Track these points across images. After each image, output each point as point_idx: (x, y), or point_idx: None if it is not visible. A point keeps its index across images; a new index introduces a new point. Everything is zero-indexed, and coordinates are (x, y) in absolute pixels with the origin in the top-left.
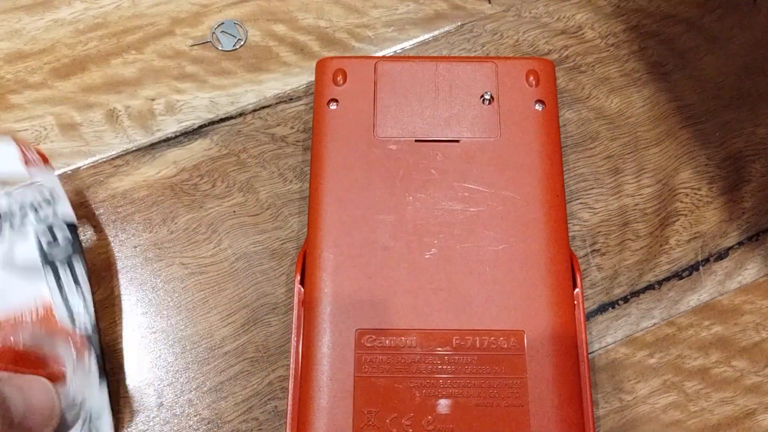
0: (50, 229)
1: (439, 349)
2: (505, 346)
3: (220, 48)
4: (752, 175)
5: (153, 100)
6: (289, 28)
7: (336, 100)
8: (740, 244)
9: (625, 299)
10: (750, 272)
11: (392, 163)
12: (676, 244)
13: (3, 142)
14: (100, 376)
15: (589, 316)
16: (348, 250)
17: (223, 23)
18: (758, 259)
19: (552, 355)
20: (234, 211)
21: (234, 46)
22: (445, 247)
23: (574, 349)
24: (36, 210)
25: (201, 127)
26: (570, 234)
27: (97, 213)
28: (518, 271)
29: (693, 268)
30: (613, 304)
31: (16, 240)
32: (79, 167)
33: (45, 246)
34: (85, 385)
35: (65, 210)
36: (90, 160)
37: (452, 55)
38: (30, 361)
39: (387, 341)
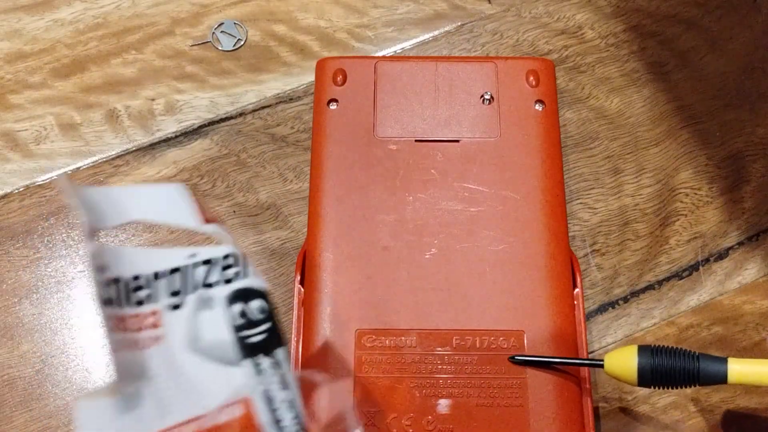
0: (240, 297)
1: (439, 349)
2: (505, 346)
3: (220, 48)
4: (752, 175)
5: (153, 100)
6: (289, 28)
7: (336, 100)
8: (740, 244)
9: (625, 299)
10: (750, 272)
11: (392, 163)
12: (676, 244)
13: (176, 189)
14: None
15: (589, 316)
16: (348, 250)
17: (223, 23)
18: (758, 259)
19: (551, 355)
20: (234, 211)
21: (234, 46)
22: (445, 247)
23: (574, 349)
24: (224, 271)
25: (201, 127)
26: (570, 234)
27: None
28: (518, 271)
29: (693, 268)
30: (613, 304)
31: (200, 311)
32: (79, 167)
33: (237, 318)
34: None
35: (256, 272)
36: (90, 160)
37: (452, 55)
38: None
39: (387, 341)
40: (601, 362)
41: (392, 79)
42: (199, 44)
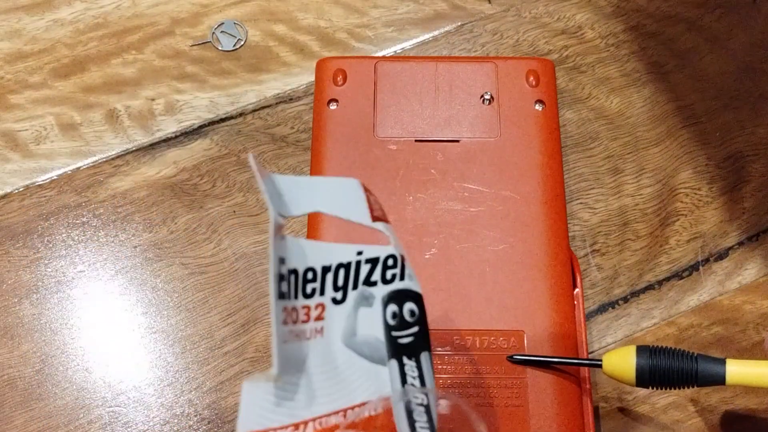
0: (396, 297)
1: (439, 349)
2: (505, 346)
3: (220, 48)
4: (752, 175)
5: (153, 100)
6: (289, 28)
7: (336, 100)
8: (740, 244)
9: (625, 299)
10: (750, 272)
11: (392, 163)
12: (676, 244)
13: (350, 184)
14: None
15: (589, 316)
16: None
17: (223, 23)
18: (758, 259)
19: (552, 355)
20: (234, 211)
21: (234, 46)
22: (445, 247)
23: (574, 349)
24: (384, 271)
25: (201, 127)
26: (570, 234)
27: (97, 213)
28: (518, 271)
29: (693, 268)
30: (613, 304)
31: (360, 309)
32: (79, 167)
33: (389, 318)
34: None
35: (412, 275)
36: (90, 160)
37: (452, 55)
38: None
39: None
40: (600, 362)
41: (392, 80)
42: (199, 44)
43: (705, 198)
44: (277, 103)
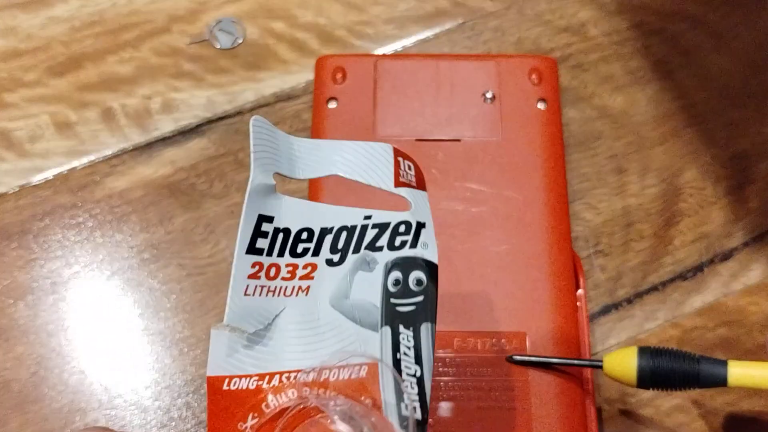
0: (403, 265)
1: (440, 351)
2: (507, 347)
3: (217, 46)
4: (757, 175)
5: (150, 98)
6: (288, 26)
7: (335, 99)
8: (745, 244)
9: (629, 300)
10: (755, 273)
11: None
12: (680, 245)
13: (382, 148)
14: None
15: (592, 317)
16: None
17: (221, 21)
18: (763, 260)
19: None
20: (232, 211)
21: (232, 44)
22: (446, 247)
23: (577, 350)
24: (393, 237)
25: (198, 126)
26: (573, 234)
27: (92, 213)
28: (520, 272)
29: (697, 269)
30: (616, 306)
31: (358, 270)
32: (75, 167)
33: (391, 284)
34: None
35: (428, 244)
36: (86, 159)
37: (453, 53)
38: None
39: None
40: (600, 363)
41: (393, 78)
42: (196, 42)
43: (710, 198)
44: (275, 102)
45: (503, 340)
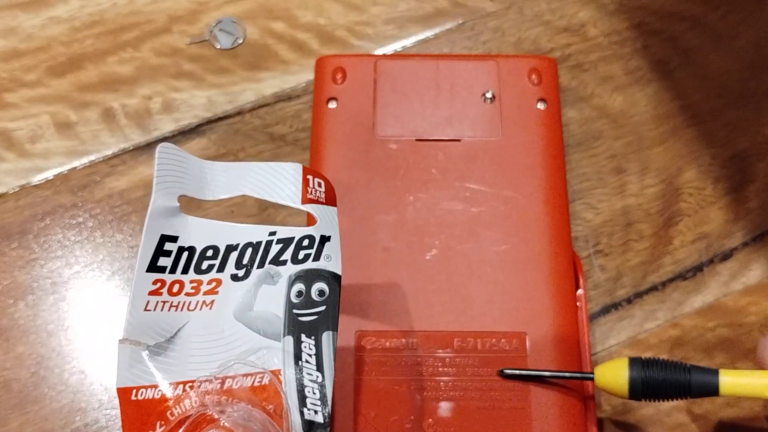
0: (306, 277)
1: (440, 351)
2: (507, 347)
3: (218, 46)
4: (757, 175)
5: (150, 98)
6: (288, 26)
7: (335, 99)
8: (745, 244)
9: (629, 300)
10: (755, 273)
11: (392, 163)
12: (680, 245)
13: (292, 168)
14: None
15: (592, 317)
16: (348, 251)
17: (221, 21)
18: (763, 260)
19: (554, 357)
20: (232, 212)
21: (232, 44)
22: (446, 247)
23: (577, 351)
24: (297, 251)
25: (198, 126)
26: (573, 234)
27: (93, 213)
28: (520, 272)
29: (697, 268)
30: (616, 306)
31: (262, 283)
32: (75, 167)
33: (294, 296)
34: None
35: (331, 256)
36: (86, 159)
37: (453, 53)
38: None
39: (387, 343)
40: (592, 375)
41: (392, 78)
42: (196, 42)
43: (709, 198)
44: (275, 102)
45: (503, 340)
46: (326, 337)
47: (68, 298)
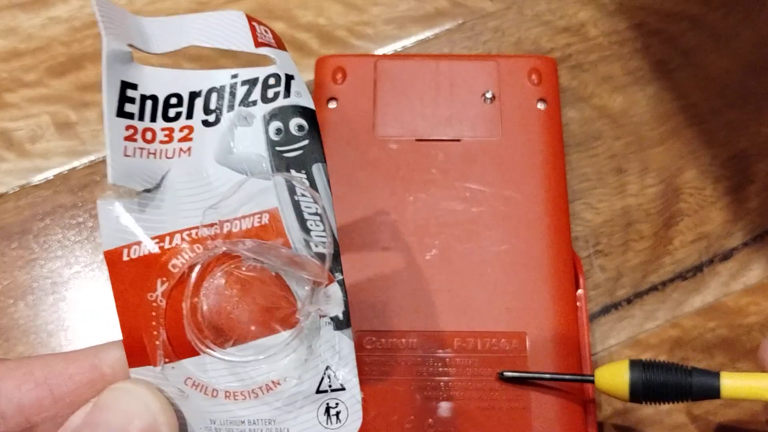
0: (281, 114)
1: (440, 351)
2: (507, 347)
3: None
4: (757, 175)
5: None
6: (288, 26)
7: (335, 99)
8: (745, 244)
9: (629, 300)
10: (755, 273)
11: (392, 163)
12: (680, 245)
13: (234, 15)
14: (344, 326)
15: (592, 317)
16: (348, 251)
17: None
18: (763, 260)
19: (554, 357)
20: None
21: None
22: (446, 247)
23: (577, 351)
24: (265, 91)
25: None
26: (573, 234)
27: (93, 213)
28: (520, 272)
29: (697, 269)
30: (616, 306)
31: (237, 127)
32: (75, 167)
33: (273, 134)
34: (323, 336)
35: (300, 92)
36: (86, 159)
37: (453, 53)
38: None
39: (387, 343)
40: (592, 378)
41: (392, 78)
42: None
43: (709, 198)
44: None
45: (503, 340)
46: (316, 168)
47: (68, 298)
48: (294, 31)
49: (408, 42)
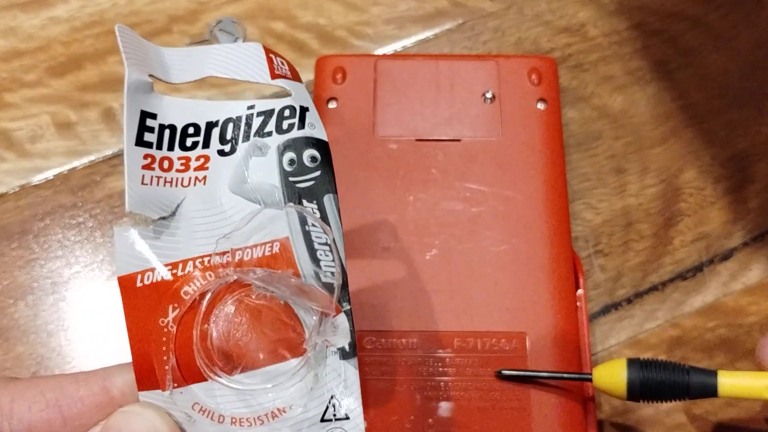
0: (295, 145)
1: (440, 351)
2: (507, 347)
3: None
4: (757, 175)
5: None
6: (288, 26)
7: (335, 99)
8: (745, 244)
9: (629, 300)
10: (755, 273)
11: (392, 163)
12: (680, 245)
13: (252, 47)
14: (350, 356)
15: (592, 317)
16: (347, 251)
17: (221, 21)
18: (763, 260)
19: (554, 357)
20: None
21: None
22: (446, 247)
23: (577, 351)
24: (280, 122)
25: None
26: (573, 234)
27: (93, 213)
28: (520, 272)
29: (697, 269)
30: (616, 306)
31: (251, 157)
32: (75, 167)
33: (286, 164)
34: (329, 365)
35: (314, 124)
36: (86, 159)
37: (453, 53)
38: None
39: (387, 343)
40: (590, 376)
41: (392, 78)
42: (196, 42)
43: (709, 198)
44: None
45: (503, 340)
46: (327, 199)
47: (68, 298)
48: (294, 31)
49: (408, 42)
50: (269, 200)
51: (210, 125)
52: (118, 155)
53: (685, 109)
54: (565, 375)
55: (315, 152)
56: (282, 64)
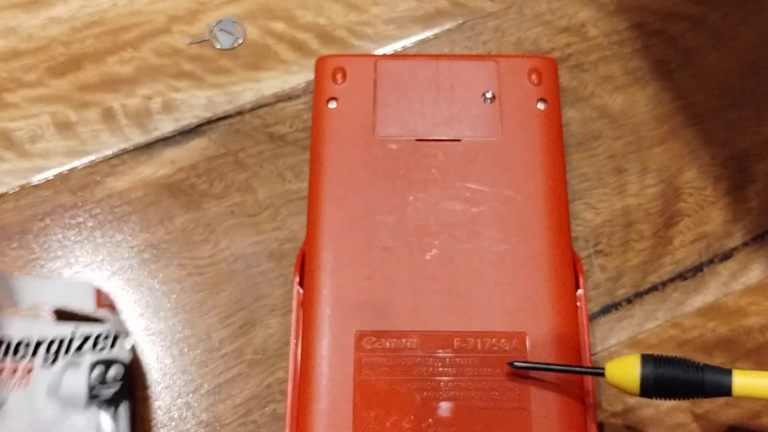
0: (104, 363)
1: (440, 351)
2: (507, 348)
3: (218, 46)
4: (757, 175)
5: (150, 98)
6: (288, 26)
7: (335, 99)
8: (745, 244)
9: (629, 300)
10: (755, 273)
11: (392, 163)
12: (680, 245)
13: (82, 285)
14: None
15: (592, 317)
16: (347, 251)
17: (221, 21)
18: (763, 260)
19: (554, 357)
20: (232, 212)
21: (232, 44)
22: (446, 247)
23: (577, 351)
24: (96, 343)
25: (198, 126)
26: (573, 234)
27: (93, 213)
28: (520, 272)
29: (697, 269)
30: (616, 306)
31: (67, 369)
32: (75, 167)
33: (93, 379)
34: None
35: (123, 347)
36: (86, 159)
37: (453, 53)
38: None
39: (387, 343)
40: (603, 371)
41: (392, 78)
42: (196, 42)
43: (709, 198)
44: (275, 102)
45: (503, 340)
46: (123, 407)
47: None
48: (294, 31)
49: (408, 42)
50: (77, 406)
51: (39, 343)
52: (118, 155)
53: (685, 109)
54: (578, 369)
55: (120, 370)
56: (107, 297)
